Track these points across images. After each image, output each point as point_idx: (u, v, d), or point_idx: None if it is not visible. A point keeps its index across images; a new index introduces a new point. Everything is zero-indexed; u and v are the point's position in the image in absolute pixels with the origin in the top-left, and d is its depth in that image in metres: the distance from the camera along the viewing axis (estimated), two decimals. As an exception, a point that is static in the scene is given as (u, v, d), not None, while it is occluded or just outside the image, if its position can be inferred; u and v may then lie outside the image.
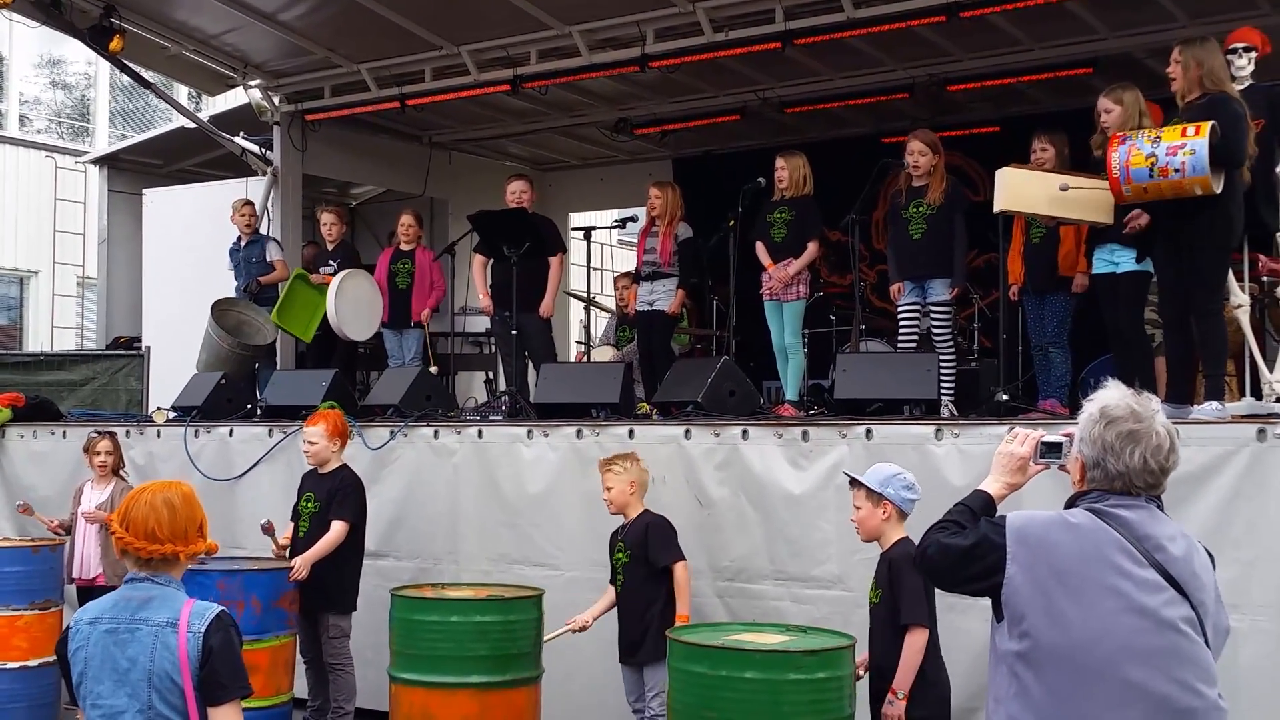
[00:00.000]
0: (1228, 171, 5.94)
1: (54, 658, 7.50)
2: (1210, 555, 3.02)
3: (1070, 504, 3.03)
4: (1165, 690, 2.77)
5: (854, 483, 5.12)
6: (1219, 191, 5.87)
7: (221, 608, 3.45)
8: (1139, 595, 2.80)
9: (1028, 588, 2.86)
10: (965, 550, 2.99)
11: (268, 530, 7.07)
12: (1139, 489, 2.93)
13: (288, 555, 7.05)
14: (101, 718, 3.36)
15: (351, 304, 10.04)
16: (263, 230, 11.38)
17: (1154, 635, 2.78)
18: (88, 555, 8.03)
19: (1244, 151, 6.01)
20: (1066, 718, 2.80)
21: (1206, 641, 2.84)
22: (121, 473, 8.29)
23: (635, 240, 9.83)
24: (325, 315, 10.16)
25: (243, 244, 11.07)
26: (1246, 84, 6.57)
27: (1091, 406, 3.02)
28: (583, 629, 6.28)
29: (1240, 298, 6.41)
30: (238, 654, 3.40)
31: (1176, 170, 5.81)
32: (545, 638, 6.39)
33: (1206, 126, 5.82)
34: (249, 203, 11.23)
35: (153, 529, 3.44)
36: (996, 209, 6.81)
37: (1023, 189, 6.76)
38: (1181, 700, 2.77)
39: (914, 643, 4.81)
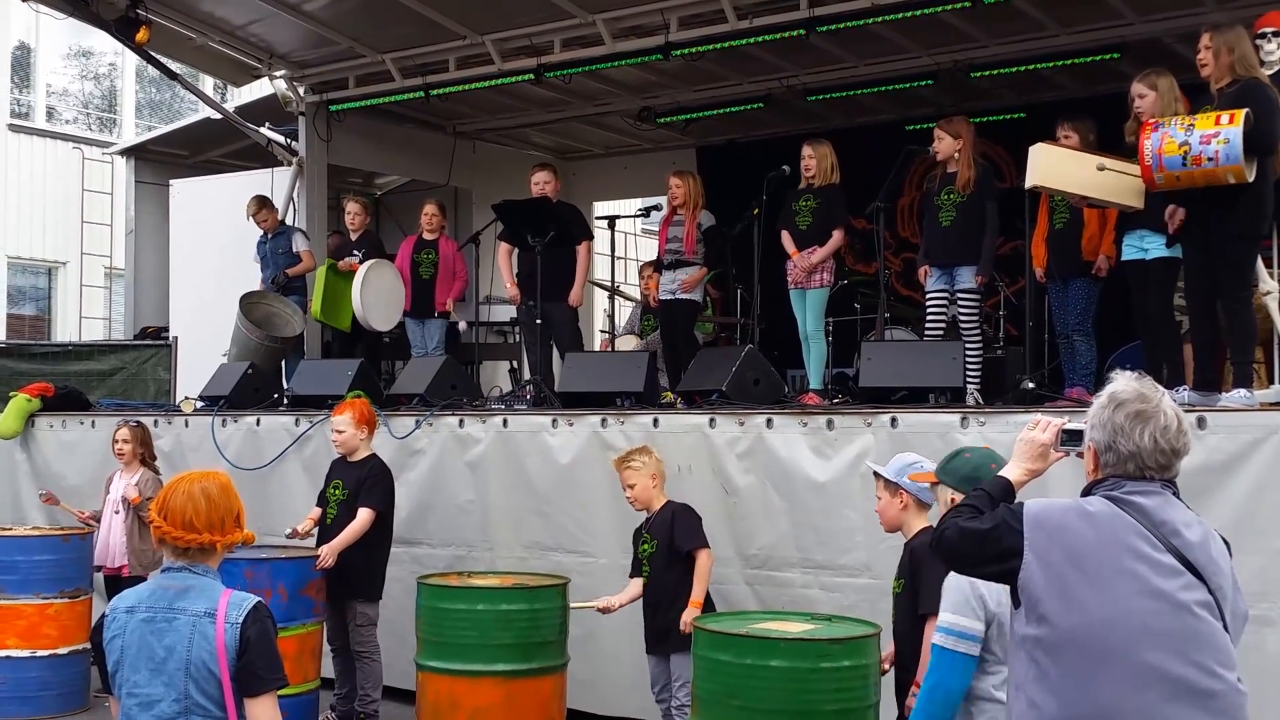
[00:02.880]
0: (1260, 158, 5.89)
1: (84, 646, 7.60)
2: (1226, 542, 3.02)
3: (1086, 493, 3.03)
4: (1183, 672, 2.77)
5: (876, 473, 5.13)
6: (1252, 179, 5.82)
7: (258, 599, 3.47)
8: (1155, 579, 2.81)
9: (1044, 573, 2.87)
10: (983, 534, 3.00)
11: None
12: (1152, 471, 2.94)
13: (315, 543, 7.10)
14: (137, 706, 3.39)
15: (376, 294, 10.08)
16: (287, 221, 11.42)
17: (1170, 618, 2.79)
18: (114, 545, 8.09)
19: (1273, 135, 5.95)
20: (1085, 700, 2.80)
21: (1225, 626, 2.84)
22: (155, 463, 8.34)
23: (658, 229, 9.83)
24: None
25: (269, 236, 11.12)
26: (1275, 69, 6.51)
27: (1100, 396, 3.05)
28: (606, 610, 6.27)
29: (1269, 284, 6.36)
30: (274, 645, 3.42)
31: (1210, 159, 5.76)
32: (572, 605, 6.43)
33: (1241, 114, 5.76)
34: (263, 204, 11.13)
35: (190, 519, 3.46)
36: (1028, 185, 6.77)
37: (1056, 166, 6.72)
38: (1201, 682, 2.78)
39: (932, 634, 4.79)
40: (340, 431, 7.15)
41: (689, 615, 5.99)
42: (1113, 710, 2.78)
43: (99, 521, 8.26)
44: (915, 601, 4.87)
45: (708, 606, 6.04)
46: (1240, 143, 5.70)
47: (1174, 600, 2.80)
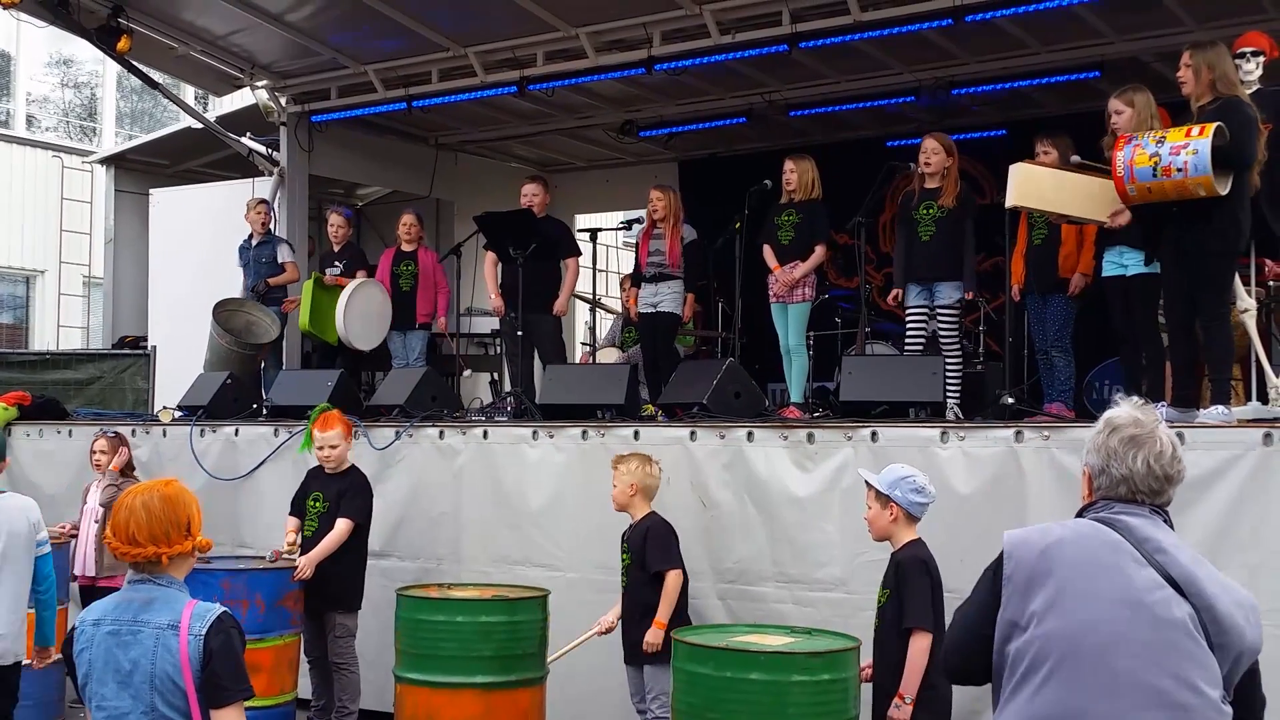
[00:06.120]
0: (1236, 175, 5.94)
1: (59, 657, 7.54)
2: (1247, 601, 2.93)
3: (1079, 516, 3.03)
4: (1157, 683, 2.74)
5: (867, 482, 5.16)
6: (1224, 193, 5.86)
7: (223, 609, 3.44)
8: (1134, 589, 2.80)
9: (1023, 586, 2.87)
10: (971, 611, 3.00)
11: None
12: (1144, 495, 2.94)
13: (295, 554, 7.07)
14: (107, 719, 3.37)
15: (360, 317, 10.06)
16: (274, 231, 11.42)
17: (1147, 628, 2.77)
18: (89, 554, 8.03)
19: (1252, 154, 6.00)
20: (1052, 705, 2.77)
21: (1211, 646, 2.79)
22: (135, 474, 8.28)
23: (638, 242, 9.84)
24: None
25: (254, 243, 11.10)
26: (1254, 88, 6.56)
27: (1098, 422, 3.06)
28: (609, 630, 6.28)
29: (1247, 302, 6.40)
30: (239, 656, 3.40)
31: (1179, 170, 5.80)
32: (569, 647, 6.33)
33: (1211, 127, 5.82)
34: (264, 201, 11.28)
35: (132, 533, 3.42)
36: (1009, 204, 6.81)
37: (1035, 185, 6.76)
38: (1176, 695, 2.74)
39: (918, 646, 4.82)
40: (334, 447, 7.08)
41: (651, 636, 6.01)
42: (1080, 715, 2.76)
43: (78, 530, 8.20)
44: (900, 615, 4.90)
45: (682, 621, 6.03)
46: (1209, 154, 5.74)
47: (1152, 613, 2.78)
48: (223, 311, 10.57)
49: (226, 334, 10.34)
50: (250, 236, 11.13)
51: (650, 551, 6.11)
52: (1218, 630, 2.79)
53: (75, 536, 8.14)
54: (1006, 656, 2.88)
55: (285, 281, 10.98)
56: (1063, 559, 2.86)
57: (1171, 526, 2.96)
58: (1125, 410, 3.01)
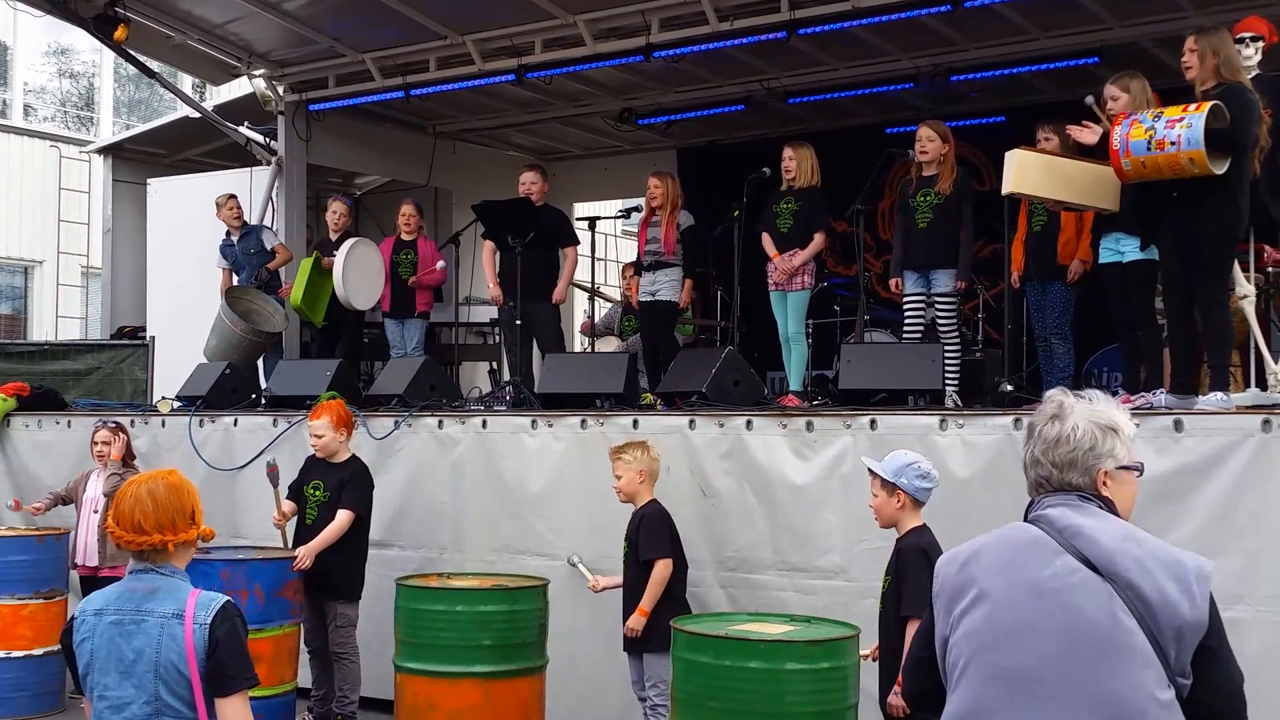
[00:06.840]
0: (1235, 159, 5.92)
1: (58, 647, 7.55)
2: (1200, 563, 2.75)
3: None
4: (1065, 671, 2.62)
5: (872, 470, 5.15)
6: (1218, 173, 5.85)
7: (227, 598, 3.45)
8: (1041, 580, 2.69)
9: (948, 602, 2.81)
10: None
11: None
12: (1047, 483, 2.85)
13: (291, 544, 7.07)
14: (109, 709, 3.37)
15: (358, 272, 10.05)
16: (265, 221, 11.40)
17: (1057, 618, 2.65)
18: (90, 544, 8.03)
19: (1249, 137, 5.98)
20: (967, 710, 2.70)
21: (1146, 628, 2.61)
22: (135, 463, 8.27)
23: (637, 230, 9.83)
24: (330, 300, 10.20)
25: (236, 239, 11.09)
26: (1253, 74, 6.54)
27: None
28: (599, 590, 6.39)
29: (1245, 288, 6.39)
30: (244, 644, 3.41)
31: (1172, 144, 5.79)
32: (580, 567, 6.58)
33: (1207, 105, 5.81)
34: (233, 196, 11.23)
35: (138, 521, 3.43)
36: (1005, 191, 6.79)
37: (1032, 172, 6.75)
38: (1092, 685, 2.60)
39: (913, 634, 4.81)
40: (320, 436, 7.10)
41: (633, 622, 6.06)
42: (986, 714, 2.67)
43: (55, 503, 8.22)
44: (898, 603, 4.90)
45: (682, 609, 6.04)
46: (1202, 129, 5.73)
47: (1061, 599, 2.65)
48: (229, 297, 10.58)
49: (240, 321, 10.33)
50: (228, 233, 11.11)
51: (643, 540, 6.12)
52: (1146, 609, 2.62)
53: (38, 512, 8.15)
54: (945, 672, 2.83)
55: (282, 263, 11.01)
56: (980, 567, 2.79)
57: (1113, 511, 2.81)
58: (1045, 402, 2.94)
